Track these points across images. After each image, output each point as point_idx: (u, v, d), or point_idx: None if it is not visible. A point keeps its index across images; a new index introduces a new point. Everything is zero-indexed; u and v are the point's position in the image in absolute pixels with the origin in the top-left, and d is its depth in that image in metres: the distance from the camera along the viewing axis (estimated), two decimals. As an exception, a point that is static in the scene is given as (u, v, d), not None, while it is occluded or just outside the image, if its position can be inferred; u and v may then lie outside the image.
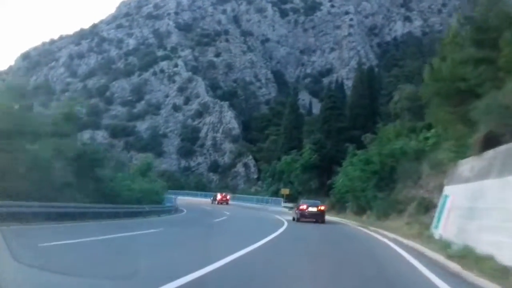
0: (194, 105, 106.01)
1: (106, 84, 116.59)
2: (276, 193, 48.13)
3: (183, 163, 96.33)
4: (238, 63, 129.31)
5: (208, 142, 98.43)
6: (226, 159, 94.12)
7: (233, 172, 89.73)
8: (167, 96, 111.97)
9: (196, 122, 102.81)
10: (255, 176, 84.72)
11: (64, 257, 8.78)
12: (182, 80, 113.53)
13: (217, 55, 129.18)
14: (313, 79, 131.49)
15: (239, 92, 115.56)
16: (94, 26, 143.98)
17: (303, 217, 25.45)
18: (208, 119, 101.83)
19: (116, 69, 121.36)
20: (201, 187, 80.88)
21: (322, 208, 26.49)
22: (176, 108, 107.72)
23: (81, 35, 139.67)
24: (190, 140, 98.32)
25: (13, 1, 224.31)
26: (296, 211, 26.55)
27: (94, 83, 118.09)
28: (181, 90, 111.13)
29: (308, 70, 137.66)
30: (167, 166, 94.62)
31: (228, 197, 56.73)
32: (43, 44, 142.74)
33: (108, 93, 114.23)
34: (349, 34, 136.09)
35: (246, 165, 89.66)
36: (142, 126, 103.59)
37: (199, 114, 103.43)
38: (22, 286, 5.73)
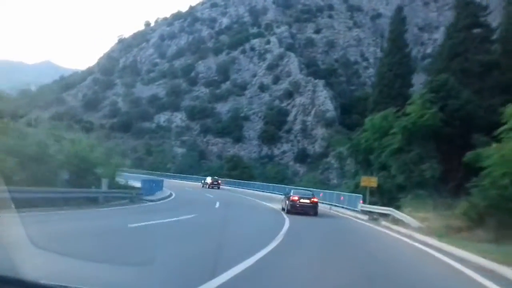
0: (284, 85, 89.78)
1: (192, 63, 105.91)
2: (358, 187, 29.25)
3: (265, 150, 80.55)
4: (342, 41, 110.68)
5: (297, 127, 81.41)
6: (316, 148, 76.28)
7: (324, 163, 71.44)
8: (254, 75, 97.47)
9: (284, 104, 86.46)
10: (353, 170, 65.67)
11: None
12: (273, 57, 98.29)
13: (317, 31, 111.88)
14: (434, 60, 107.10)
15: (339, 71, 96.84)
16: (191, 8, 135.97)
17: (294, 208, 22.90)
18: (298, 100, 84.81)
19: (204, 48, 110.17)
20: (280, 179, 64.05)
21: (315, 200, 23.81)
22: (263, 88, 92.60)
23: (175, 17, 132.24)
24: (275, 124, 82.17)
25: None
26: (287, 202, 23.93)
27: (181, 63, 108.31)
28: (270, 68, 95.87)
29: (429, 50, 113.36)
30: (246, 153, 79.74)
31: (219, 181, 53.70)
32: (137, 28, 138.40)
33: (193, 73, 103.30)
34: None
35: (340, 155, 70.79)
36: (223, 108, 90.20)
37: (289, 94, 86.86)
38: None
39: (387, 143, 26.54)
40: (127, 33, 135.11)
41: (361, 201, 25.82)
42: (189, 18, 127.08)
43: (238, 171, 61.96)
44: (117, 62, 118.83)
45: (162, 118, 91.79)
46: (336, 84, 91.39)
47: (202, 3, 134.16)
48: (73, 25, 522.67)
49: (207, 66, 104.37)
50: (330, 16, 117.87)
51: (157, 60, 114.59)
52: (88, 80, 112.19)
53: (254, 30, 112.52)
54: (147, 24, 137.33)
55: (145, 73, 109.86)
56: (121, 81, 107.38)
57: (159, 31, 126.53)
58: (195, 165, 71.05)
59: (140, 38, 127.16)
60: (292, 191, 26.18)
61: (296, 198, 23.39)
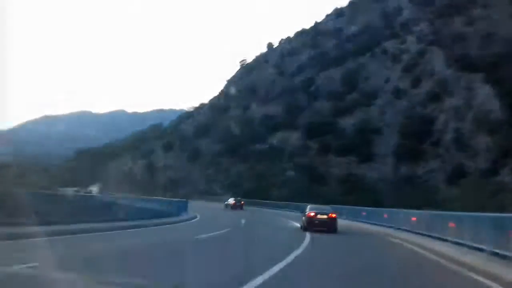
0: (426, 86, 69.21)
1: (312, 77, 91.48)
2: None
3: (404, 170, 60.40)
4: (504, 31, 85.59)
5: (447, 137, 59.96)
6: (479, 162, 54.01)
7: (493, 183, 49.03)
8: (387, 80, 78.50)
9: (428, 109, 65.76)
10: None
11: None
12: (410, 56, 78.61)
13: (469, 23, 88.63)
14: None
15: (502, 64, 72.61)
16: (316, 23, 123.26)
17: (311, 225, 22.25)
18: (447, 102, 63.48)
19: (327, 60, 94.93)
20: (425, 204, 43.84)
21: (334, 215, 23.14)
22: (398, 93, 73.05)
23: (298, 34, 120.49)
24: (417, 136, 61.84)
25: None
26: (303, 219, 23.55)
27: (301, 79, 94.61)
28: (407, 69, 76.19)
29: None
30: (377, 173, 60.74)
31: (242, 202, 52.55)
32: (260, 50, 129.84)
33: (313, 87, 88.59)
34: None
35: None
36: (347, 122, 72.80)
37: (434, 97, 66.02)
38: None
39: None
40: (250, 58, 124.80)
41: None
42: (312, 32, 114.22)
43: (356, 196, 43.89)
44: (236, 86, 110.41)
45: (275, 138, 77.99)
46: (500, 78, 67.57)
47: (327, 15, 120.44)
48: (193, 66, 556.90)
49: (329, 77, 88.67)
50: (485, 6, 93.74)
51: (276, 79, 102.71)
52: (204, 108, 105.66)
53: (386, 32, 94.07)
54: (270, 46, 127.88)
55: (262, 94, 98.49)
56: (237, 104, 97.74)
57: (280, 49, 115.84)
58: (304, 191, 54.74)
59: (261, 59, 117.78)
60: (308, 207, 24.35)
61: (312, 214, 22.70)
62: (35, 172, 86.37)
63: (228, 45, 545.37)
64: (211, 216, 32.97)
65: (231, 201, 52.18)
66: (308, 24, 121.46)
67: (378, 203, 41.15)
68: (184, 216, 29.30)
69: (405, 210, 26.46)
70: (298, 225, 26.00)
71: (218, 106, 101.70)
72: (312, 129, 72.54)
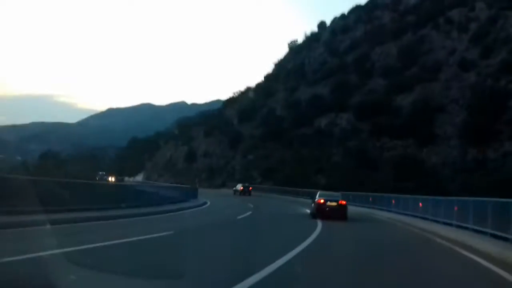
0: (499, 56, 59.19)
1: (367, 53, 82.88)
2: None
3: (473, 153, 51.41)
4: None
5: (527, 114, 50.26)
6: None
7: None
8: (452, 52, 68.75)
9: (501, 82, 55.93)
10: None
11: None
12: (480, 24, 68.34)
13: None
14: None
15: None
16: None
17: (320, 212, 21.69)
18: (527, 72, 53.46)
19: (383, 33, 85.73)
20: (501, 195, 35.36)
21: (344, 202, 22.51)
22: (465, 65, 63.29)
23: (352, 10, 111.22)
24: (488, 113, 52.38)
25: None
26: (313, 206, 23.01)
27: (354, 56, 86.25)
28: (477, 38, 66.11)
29: None
30: (440, 158, 52.27)
31: (250, 188, 54.77)
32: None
33: (367, 64, 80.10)
34: None
35: None
36: (405, 100, 64.11)
37: (509, 67, 56.02)
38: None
39: None
40: (300, 39, 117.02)
41: None
42: (368, 7, 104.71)
43: (414, 183, 36.37)
44: (284, 68, 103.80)
45: (323, 121, 70.80)
46: None
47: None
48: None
49: (385, 53, 79.82)
50: None
51: (326, 58, 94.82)
52: (249, 92, 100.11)
53: (451, 0, 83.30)
54: (321, 25, 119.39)
55: (310, 75, 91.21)
56: (284, 86, 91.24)
57: (332, 27, 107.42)
58: (353, 177, 47.69)
59: (311, 39, 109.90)
60: (318, 193, 23.88)
61: (322, 200, 22.33)
62: (83, 162, 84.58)
63: (277, 28, 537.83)
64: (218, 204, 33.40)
65: (239, 187, 54.24)
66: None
67: (441, 191, 33.49)
68: (191, 203, 29.93)
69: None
70: (309, 211, 25.29)
71: (264, 89, 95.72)
72: (364, 110, 64.67)
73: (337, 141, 63.32)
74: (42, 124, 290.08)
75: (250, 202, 35.73)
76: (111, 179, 68.33)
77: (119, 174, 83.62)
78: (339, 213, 21.76)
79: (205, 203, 31.31)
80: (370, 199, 34.57)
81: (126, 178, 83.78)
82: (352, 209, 26.44)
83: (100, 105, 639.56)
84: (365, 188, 38.64)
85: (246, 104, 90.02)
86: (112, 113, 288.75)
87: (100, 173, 70.47)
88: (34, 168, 47.58)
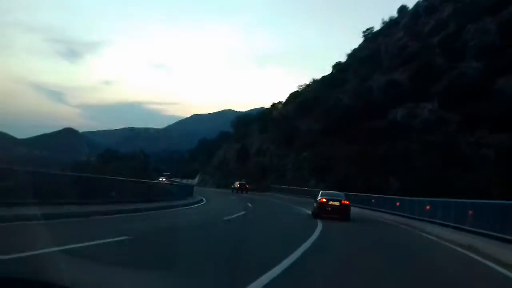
0: None
1: (457, 31, 68.57)
2: None
3: None
4: None
5: None
6: None
7: None
8: None
9: None
10: None
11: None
12: None
13: None
14: None
15: None
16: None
17: (323, 212, 21.33)
18: None
19: (478, 9, 70.63)
20: None
21: (347, 202, 22.10)
22: None
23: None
24: None
25: None
26: (315, 205, 22.62)
27: (439, 38, 72.16)
28: None
29: None
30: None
31: (247, 185, 56.87)
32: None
33: (457, 45, 65.85)
34: None
35: None
36: (508, 84, 49.61)
37: None
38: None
39: None
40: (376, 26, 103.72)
41: None
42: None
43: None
44: (355, 58, 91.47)
45: (400, 112, 57.94)
46: None
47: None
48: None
49: (481, 30, 64.94)
50: None
51: (406, 43, 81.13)
52: (313, 85, 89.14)
53: None
54: (401, 9, 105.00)
55: (387, 61, 78.20)
56: (354, 75, 79.23)
57: (413, 10, 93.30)
58: (437, 180, 35.31)
59: (389, 25, 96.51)
60: (320, 192, 23.86)
61: (324, 200, 22.01)
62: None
63: (352, 16, 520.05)
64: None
65: (236, 184, 56.51)
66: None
67: None
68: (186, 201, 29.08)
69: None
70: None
71: (330, 80, 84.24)
72: (453, 97, 51.14)
73: (416, 135, 50.32)
74: (132, 129, 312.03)
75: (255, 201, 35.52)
76: (162, 179, 71.14)
77: (184, 176, 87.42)
78: (341, 213, 21.39)
79: (200, 201, 30.82)
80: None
81: (178, 180, 79.75)
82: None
83: (185, 112, 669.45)
84: (454, 193, 26.60)
85: (308, 96, 79.10)
86: (196, 119, 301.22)
87: (164, 173, 75.61)
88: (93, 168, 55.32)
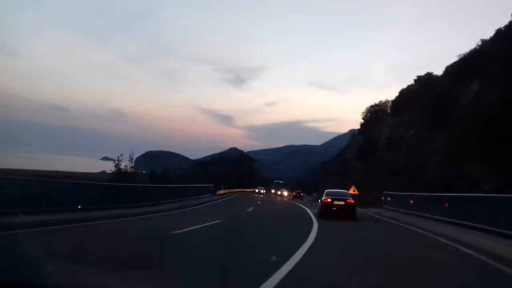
0: None
1: None
2: None
3: None
4: None
5: None
6: None
7: None
8: None
9: None
10: None
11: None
12: None
13: None
14: None
15: None
16: None
17: (328, 212, 20.75)
18: None
19: None
20: None
21: (352, 201, 21.39)
22: None
23: None
24: None
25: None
26: (319, 205, 22.11)
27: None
28: None
29: None
30: None
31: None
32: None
33: None
34: None
35: None
36: None
37: None
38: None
39: None
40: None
41: None
42: None
43: None
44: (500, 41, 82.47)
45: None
46: None
47: None
48: None
49: None
50: None
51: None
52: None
53: None
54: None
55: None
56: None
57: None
58: None
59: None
60: (325, 192, 22.72)
61: (329, 199, 21.30)
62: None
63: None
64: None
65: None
66: None
67: None
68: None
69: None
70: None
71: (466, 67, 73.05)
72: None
73: None
74: (292, 146, 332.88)
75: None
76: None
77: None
78: (347, 213, 20.83)
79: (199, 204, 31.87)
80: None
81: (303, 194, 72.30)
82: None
83: (344, 128, 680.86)
84: None
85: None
86: (353, 133, 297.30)
87: (259, 187, 79.98)
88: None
